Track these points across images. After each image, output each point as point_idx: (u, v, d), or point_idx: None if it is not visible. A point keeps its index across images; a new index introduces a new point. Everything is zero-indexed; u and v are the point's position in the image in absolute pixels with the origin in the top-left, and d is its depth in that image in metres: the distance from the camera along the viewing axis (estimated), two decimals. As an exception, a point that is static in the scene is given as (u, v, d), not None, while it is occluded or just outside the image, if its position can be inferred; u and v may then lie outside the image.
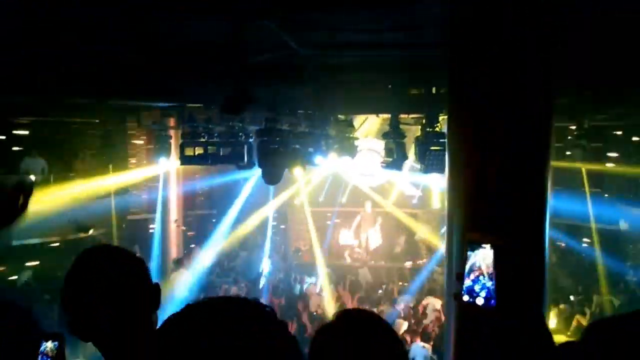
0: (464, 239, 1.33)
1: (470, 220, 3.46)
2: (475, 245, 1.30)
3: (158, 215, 14.55)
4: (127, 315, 1.75)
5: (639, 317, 1.34)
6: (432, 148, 8.23)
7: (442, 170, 7.86)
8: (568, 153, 10.80)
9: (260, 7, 5.09)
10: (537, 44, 3.33)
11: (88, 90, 8.73)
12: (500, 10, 3.23)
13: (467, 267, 1.30)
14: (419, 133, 9.11)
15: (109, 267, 1.78)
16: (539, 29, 3.32)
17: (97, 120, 11.63)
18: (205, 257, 13.96)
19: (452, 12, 3.49)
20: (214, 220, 18.18)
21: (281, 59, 7.54)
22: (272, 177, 8.31)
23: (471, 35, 3.39)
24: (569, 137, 10.72)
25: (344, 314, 1.62)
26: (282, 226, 18.53)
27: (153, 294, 1.84)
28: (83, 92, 8.76)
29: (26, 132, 13.64)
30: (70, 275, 1.76)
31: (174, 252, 14.10)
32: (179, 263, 12.35)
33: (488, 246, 1.29)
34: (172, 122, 11.32)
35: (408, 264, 15.52)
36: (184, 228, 15.37)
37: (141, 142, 16.08)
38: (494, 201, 3.35)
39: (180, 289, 10.98)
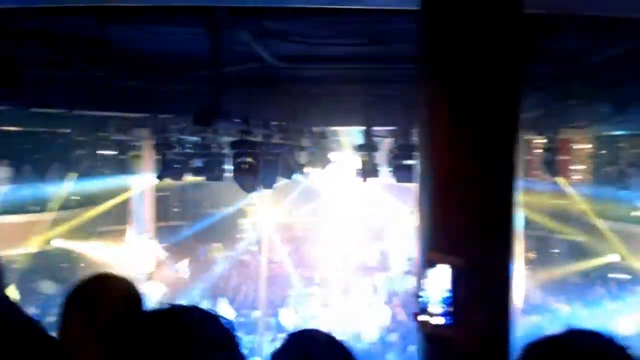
0: (424, 259, 1.34)
1: (434, 234, 3.50)
2: (435, 265, 1.31)
3: (130, 227, 14.32)
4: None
5: (572, 337, 1.37)
6: (404, 162, 8.35)
7: (413, 180, 8.00)
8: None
9: (233, 17, 5.08)
10: (507, 57, 3.39)
11: (57, 101, 8.60)
12: (465, 26, 3.28)
13: (426, 286, 1.31)
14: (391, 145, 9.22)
15: (105, 296, 1.81)
16: (508, 40, 3.39)
17: (67, 130, 11.44)
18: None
19: (421, 28, 3.54)
20: (186, 232, 18.01)
21: (255, 70, 7.54)
22: (248, 188, 8.26)
23: (438, 51, 3.44)
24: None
25: (296, 334, 1.66)
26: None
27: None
28: (52, 102, 8.61)
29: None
30: (70, 301, 1.80)
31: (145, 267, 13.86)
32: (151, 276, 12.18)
33: (447, 266, 1.30)
34: (143, 133, 11.18)
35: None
36: (156, 240, 15.14)
37: (111, 152, 15.83)
38: (458, 216, 3.38)
39: (152, 302, 10.83)
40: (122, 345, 1.07)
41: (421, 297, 1.28)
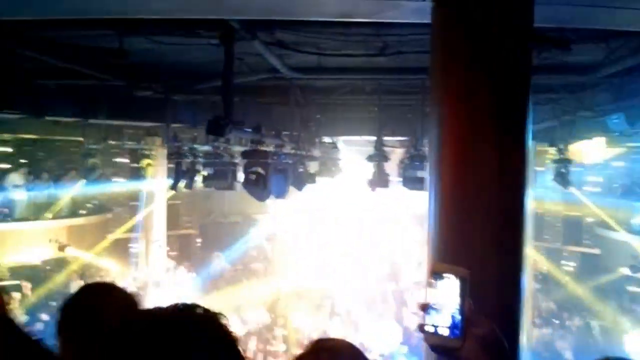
0: (429, 269, 1.35)
1: (442, 244, 3.50)
2: (440, 276, 1.31)
3: (140, 235, 14.42)
4: None
5: None
6: (415, 172, 8.37)
7: (421, 187, 8.04)
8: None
9: (246, 28, 5.14)
10: (518, 68, 3.40)
11: (72, 109, 8.73)
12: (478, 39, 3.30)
13: (432, 297, 1.31)
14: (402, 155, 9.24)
15: (102, 306, 1.81)
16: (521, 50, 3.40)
17: (80, 139, 11.57)
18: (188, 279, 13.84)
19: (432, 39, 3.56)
20: (198, 240, 18.06)
21: (267, 81, 7.61)
22: (258, 197, 8.29)
23: (448, 60, 3.45)
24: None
25: (316, 343, 1.66)
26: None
27: None
28: (67, 111, 8.74)
29: (10, 149, 13.54)
30: (65, 309, 1.79)
31: (155, 273, 13.94)
32: (160, 284, 12.24)
33: (453, 276, 1.30)
34: (156, 141, 11.30)
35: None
36: (167, 248, 15.24)
37: (124, 160, 16.01)
38: (467, 226, 3.38)
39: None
40: (121, 344, 1.10)
41: (427, 308, 1.28)
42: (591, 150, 10.82)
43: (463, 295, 1.29)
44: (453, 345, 1.27)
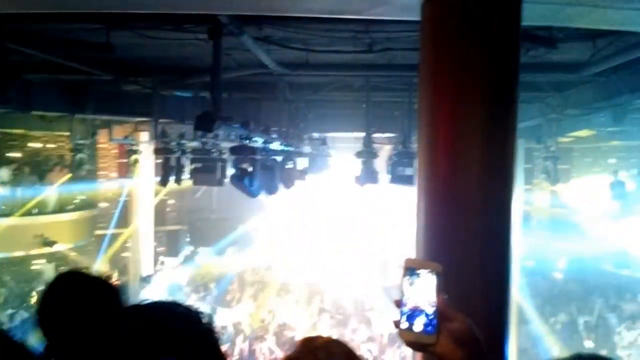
0: (403, 265, 1.35)
1: (430, 241, 3.52)
2: (414, 272, 1.31)
3: (128, 231, 14.33)
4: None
5: None
6: (403, 169, 8.41)
7: (410, 183, 8.06)
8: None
9: (235, 24, 5.12)
10: (508, 64, 3.41)
11: (58, 104, 8.65)
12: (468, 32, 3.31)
13: (406, 294, 1.31)
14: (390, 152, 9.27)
15: (81, 294, 1.81)
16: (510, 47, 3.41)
17: (67, 133, 11.46)
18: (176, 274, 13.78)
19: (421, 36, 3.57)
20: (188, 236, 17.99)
21: (255, 77, 7.59)
22: (249, 193, 8.26)
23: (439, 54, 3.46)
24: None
25: (308, 341, 1.66)
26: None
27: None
28: (53, 105, 8.66)
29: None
30: (44, 299, 1.78)
31: (143, 269, 13.87)
32: (148, 280, 12.18)
33: (427, 272, 1.31)
34: (144, 136, 11.22)
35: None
36: (155, 243, 15.16)
37: (112, 155, 15.92)
38: (455, 223, 3.41)
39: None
40: (103, 341, 1.12)
41: (401, 304, 1.28)
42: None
43: (437, 290, 1.30)
44: (428, 341, 1.28)
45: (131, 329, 1.11)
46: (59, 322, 1.74)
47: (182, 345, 1.11)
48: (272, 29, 5.55)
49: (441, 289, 1.29)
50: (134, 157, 10.73)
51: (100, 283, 1.90)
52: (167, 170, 9.15)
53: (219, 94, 6.02)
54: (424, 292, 1.28)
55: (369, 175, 9.06)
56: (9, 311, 11.03)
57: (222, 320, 11.36)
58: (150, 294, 11.47)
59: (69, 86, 8.45)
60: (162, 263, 14.99)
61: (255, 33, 5.62)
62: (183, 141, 9.06)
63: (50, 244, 12.58)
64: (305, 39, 5.90)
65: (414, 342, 1.30)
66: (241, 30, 5.29)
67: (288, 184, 9.38)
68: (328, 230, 17.49)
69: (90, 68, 7.12)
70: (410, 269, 1.32)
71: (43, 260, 13.62)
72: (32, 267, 13.64)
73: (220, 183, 8.47)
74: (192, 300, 12.48)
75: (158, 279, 13.43)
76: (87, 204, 15.14)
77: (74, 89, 8.54)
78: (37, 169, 13.87)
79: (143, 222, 13.98)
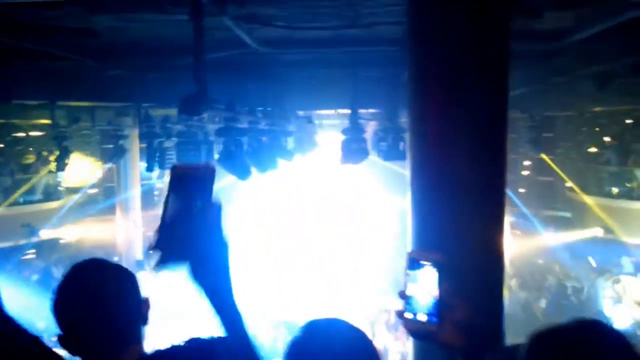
0: (407, 257, 1.37)
1: (423, 231, 3.53)
2: (418, 263, 1.34)
3: (116, 216, 14.24)
4: (115, 330, 1.73)
5: (579, 327, 1.43)
6: (390, 143, 8.40)
7: (402, 158, 8.07)
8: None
9: (215, 3, 5.03)
10: (497, 50, 3.40)
11: (39, 91, 8.49)
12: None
13: (411, 285, 1.34)
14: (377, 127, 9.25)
15: (98, 283, 1.77)
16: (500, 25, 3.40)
17: (49, 122, 11.28)
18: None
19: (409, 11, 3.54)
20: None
21: (238, 56, 7.49)
22: (237, 174, 8.23)
23: (427, 27, 3.44)
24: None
25: (310, 325, 1.66)
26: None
27: (141, 309, 1.83)
28: (34, 93, 8.50)
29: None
30: (60, 289, 1.76)
31: (136, 254, 13.84)
32: (141, 265, 12.17)
33: (430, 263, 1.33)
34: (128, 121, 11.10)
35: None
36: (143, 228, 15.09)
37: (95, 141, 15.76)
38: (447, 212, 3.41)
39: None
40: None
41: (406, 295, 1.32)
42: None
43: (440, 281, 1.33)
44: (431, 330, 1.32)
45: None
46: (74, 313, 1.72)
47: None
48: (253, 7, 5.47)
49: (444, 279, 1.32)
50: (119, 142, 10.64)
51: (121, 272, 1.87)
52: (153, 155, 9.09)
53: (203, 76, 5.94)
54: (427, 283, 1.31)
55: (356, 152, 9.04)
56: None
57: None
58: (145, 278, 11.45)
59: (49, 73, 8.29)
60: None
61: (238, 12, 5.53)
62: (168, 125, 9.00)
63: (36, 233, 12.49)
64: (287, 16, 5.82)
65: (418, 332, 1.33)
66: (222, 9, 5.20)
67: (274, 165, 9.35)
68: (315, 212, 17.40)
69: (72, 54, 6.98)
70: (413, 260, 1.35)
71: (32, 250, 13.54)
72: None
73: (207, 165, 8.42)
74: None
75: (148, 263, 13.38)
76: (74, 191, 15.02)
77: (55, 76, 8.37)
78: (21, 157, 13.70)
79: (131, 207, 13.91)
